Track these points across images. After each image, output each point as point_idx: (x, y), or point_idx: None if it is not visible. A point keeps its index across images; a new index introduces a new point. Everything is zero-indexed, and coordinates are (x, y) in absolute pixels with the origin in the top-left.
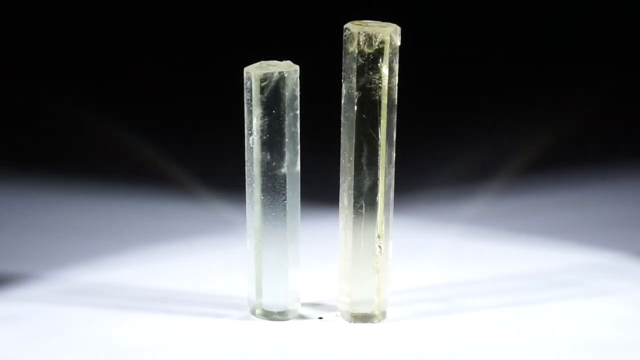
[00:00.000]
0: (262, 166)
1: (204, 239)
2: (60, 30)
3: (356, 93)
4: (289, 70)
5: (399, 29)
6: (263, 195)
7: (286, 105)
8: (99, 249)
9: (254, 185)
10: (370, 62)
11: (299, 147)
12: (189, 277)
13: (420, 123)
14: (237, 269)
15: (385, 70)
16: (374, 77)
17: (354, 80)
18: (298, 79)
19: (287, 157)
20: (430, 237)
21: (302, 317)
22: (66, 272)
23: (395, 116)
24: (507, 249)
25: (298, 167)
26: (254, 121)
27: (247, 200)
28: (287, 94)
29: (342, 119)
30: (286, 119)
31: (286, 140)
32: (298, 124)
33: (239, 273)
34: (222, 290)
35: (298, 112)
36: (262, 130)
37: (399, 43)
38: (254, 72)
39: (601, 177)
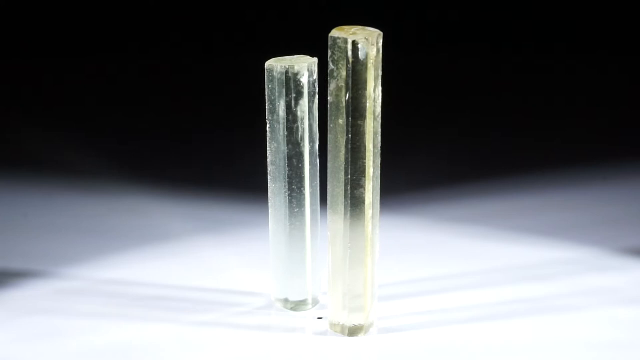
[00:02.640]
0: (284, 159)
1: (206, 239)
2: (63, 29)
3: (341, 99)
4: (307, 63)
5: (381, 35)
6: (285, 189)
7: (305, 97)
8: (101, 248)
9: (276, 178)
10: (354, 69)
11: (317, 141)
12: (192, 275)
13: (419, 123)
14: (241, 266)
15: (368, 76)
16: (358, 83)
17: (338, 86)
18: (317, 72)
19: (305, 150)
20: (428, 236)
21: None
22: (66, 272)
23: (380, 123)
24: (504, 248)
25: (317, 160)
26: (279, 113)
27: (270, 193)
28: (305, 86)
29: (329, 124)
30: (306, 111)
31: (303, 133)
32: (316, 117)
33: (242, 270)
34: (223, 289)
35: (316, 104)
36: (281, 122)
37: (380, 50)
38: (275, 65)
39: (600, 177)
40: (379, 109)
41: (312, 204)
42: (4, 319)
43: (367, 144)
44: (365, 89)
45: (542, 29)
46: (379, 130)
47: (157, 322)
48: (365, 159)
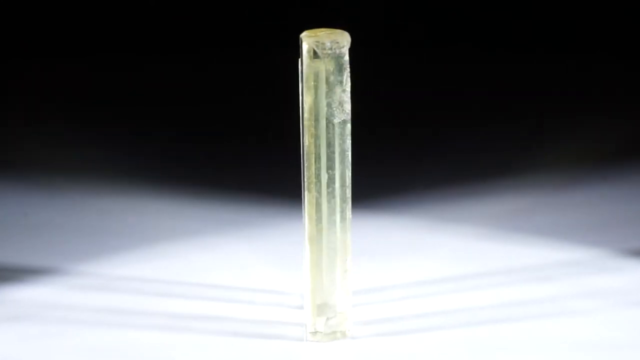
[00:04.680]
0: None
1: (207, 239)
2: (72, 30)
3: (309, 105)
4: None
5: (346, 40)
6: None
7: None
8: (104, 247)
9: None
10: (334, 74)
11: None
12: (192, 275)
13: (417, 124)
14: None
15: (336, 81)
16: (327, 88)
17: (308, 92)
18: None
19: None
20: (424, 236)
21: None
22: (66, 271)
23: (344, 128)
24: (501, 249)
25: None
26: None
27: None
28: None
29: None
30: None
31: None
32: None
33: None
34: (231, 287)
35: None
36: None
37: (342, 55)
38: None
39: (600, 177)
40: (343, 115)
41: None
42: (4, 319)
43: (319, 149)
44: (317, 93)
45: (538, 29)
46: (344, 135)
47: (160, 323)
48: (318, 163)
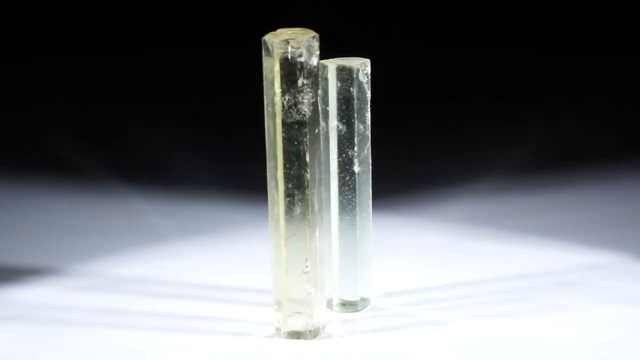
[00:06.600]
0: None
1: (206, 239)
2: (66, 30)
3: (273, 108)
4: (363, 63)
5: (312, 39)
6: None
7: (358, 101)
8: (102, 248)
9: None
10: (286, 74)
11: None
12: (191, 275)
13: (413, 124)
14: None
15: (289, 81)
16: (292, 90)
17: (270, 93)
18: (369, 74)
19: (354, 155)
20: (422, 237)
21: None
22: (66, 271)
23: (305, 131)
24: (504, 249)
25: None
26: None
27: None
28: (356, 89)
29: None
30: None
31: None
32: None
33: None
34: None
35: (368, 108)
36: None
37: (300, 56)
38: (331, 64)
39: (600, 177)
40: (298, 116)
41: (363, 207)
42: (4, 319)
43: (274, 151)
44: (270, 93)
45: (537, 29)
46: (299, 136)
47: (160, 323)
48: (272, 162)
